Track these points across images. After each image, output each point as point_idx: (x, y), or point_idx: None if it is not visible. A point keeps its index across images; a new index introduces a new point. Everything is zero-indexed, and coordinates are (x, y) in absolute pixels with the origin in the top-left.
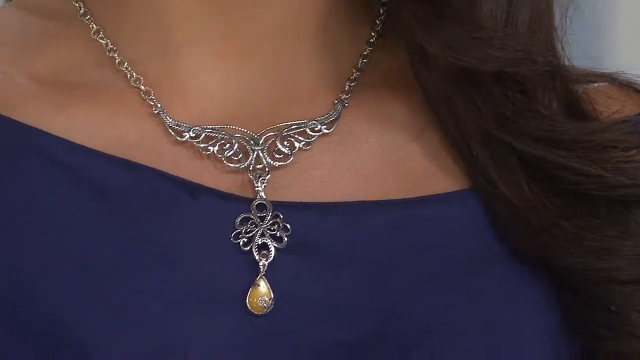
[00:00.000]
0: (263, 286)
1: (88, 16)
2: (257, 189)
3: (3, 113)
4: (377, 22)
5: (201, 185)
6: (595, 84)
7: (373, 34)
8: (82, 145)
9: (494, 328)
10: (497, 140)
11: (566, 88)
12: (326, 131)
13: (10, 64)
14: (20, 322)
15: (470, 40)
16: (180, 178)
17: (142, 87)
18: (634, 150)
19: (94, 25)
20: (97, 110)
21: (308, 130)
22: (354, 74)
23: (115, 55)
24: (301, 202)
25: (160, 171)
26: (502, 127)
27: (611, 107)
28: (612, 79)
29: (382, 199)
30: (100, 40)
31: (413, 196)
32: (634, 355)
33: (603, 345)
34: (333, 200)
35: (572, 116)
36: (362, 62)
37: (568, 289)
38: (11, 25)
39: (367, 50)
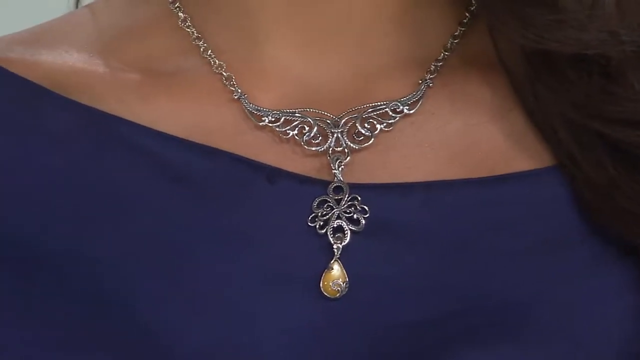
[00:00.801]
0: (337, 269)
1: (177, 4)
2: (334, 171)
3: (81, 100)
4: (472, 2)
5: (278, 169)
6: None
7: (467, 14)
8: (164, 133)
9: (573, 308)
10: (578, 122)
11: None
12: (408, 112)
13: (95, 53)
14: (99, 309)
15: (550, 22)
16: (258, 162)
17: (224, 74)
18: None
19: (182, 14)
20: (180, 98)
21: (389, 111)
22: (442, 54)
23: (201, 43)
24: (380, 184)
25: (238, 156)
26: (581, 109)
27: None
28: None
29: (463, 177)
30: (187, 29)
31: (495, 174)
32: None
33: None
34: (414, 181)
35: None
36: (453, 42)
37: None
38: (113, 15)
39: (459, 31)
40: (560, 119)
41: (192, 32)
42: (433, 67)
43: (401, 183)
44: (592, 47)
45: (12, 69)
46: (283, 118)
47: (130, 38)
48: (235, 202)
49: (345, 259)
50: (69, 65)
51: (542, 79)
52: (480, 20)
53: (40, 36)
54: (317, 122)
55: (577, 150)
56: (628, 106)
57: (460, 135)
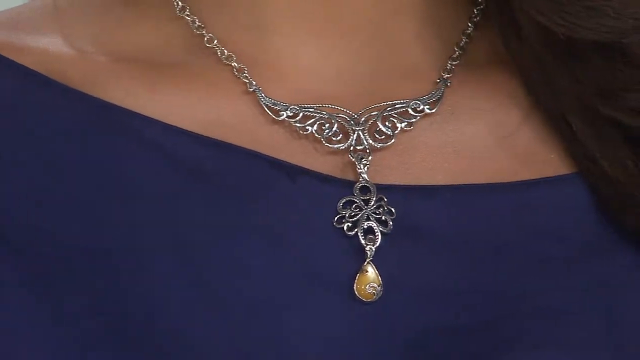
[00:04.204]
0: (371, 272)
1: None
2: (359, 170)
3: (84, 90)
4: (480, 0)
5: (300, 167)
6: None
7: (476, 11)
8: (176, 127)
9: (612, 316)
10: (599, 116)
11: None
12: (429, 111)
13: (91, 42)
14: (110, 306)
15: (584, 9)
16: (278, 160)
17: (235, 65)
18: None
19: (180, 2)
20: (190, 90)
21: (410, 110)
22: (457, 53)
23: (204, 32)
24: (405, 185)
25: (257, 153)
26: (606, 100)
27: None
28: None
29: (487, 182)
30: (187, 17)
31: (520, 179)
32: None
33: None
34: (437, 183)
35: None
36: (465, 40)
37: None
38: (95, 3)
39: (470, 29)
40: (578, 114)
41: (194, 20)
42: (450, 65)
43: (426, 185)
44: (624, 35)
45: (3, 52)
46: (302, 113)
47: (124, 27)
48: (256, 199)
49: (377, 261)
50: (64, 53)
51: (562, 72)
52: (489, 18)
53: (15, 22)
54: (338, 118)
55: (595, 146)
56: None
57: (482, 137)
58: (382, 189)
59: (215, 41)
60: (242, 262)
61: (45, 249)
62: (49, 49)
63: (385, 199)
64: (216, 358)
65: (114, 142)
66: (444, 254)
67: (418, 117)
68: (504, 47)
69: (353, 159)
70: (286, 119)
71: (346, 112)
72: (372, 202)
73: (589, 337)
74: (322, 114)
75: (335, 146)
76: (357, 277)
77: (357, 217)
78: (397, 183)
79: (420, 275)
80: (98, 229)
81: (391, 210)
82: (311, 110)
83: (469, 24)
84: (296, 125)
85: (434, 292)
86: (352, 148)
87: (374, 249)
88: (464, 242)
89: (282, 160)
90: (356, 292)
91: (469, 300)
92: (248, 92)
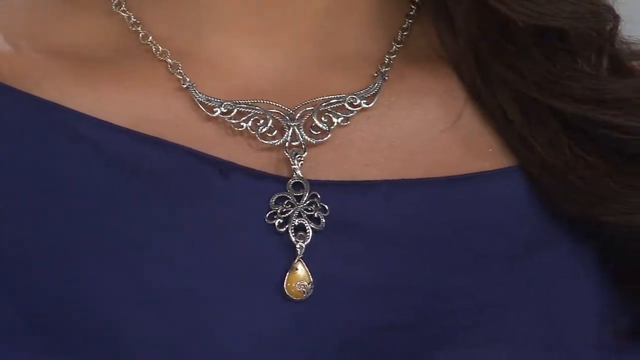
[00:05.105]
0: (301, 270)
1: None
2: (293, 167)
3: (17, 86)
4: None
5: (232, 163)
6: None
7: (413, 6)
8: (109, 122)
9: (551, 308)
10: (536, 104)
11: (613, 45)
12: (366, 106)
13: (24, 38)
14: (42, 303)
15: None
16: (210, 156)
17: (169, 61)
18: None
19: None
20: (123, 85)
21: (347, 105)
22: (394, 47)
23: (139, 28)
24: (340, 181)
25: (189, 149)
26: (544, 88)
27: None
28: None
29: (425, 176)
30: (122, 14)
31: (458, 173)
32: None
33: None
34: (373, 179)
35: (618, 74)
36: (402, 34)
37: (615, 251)
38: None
39: (407, 23)
40: (515, 103)
41: (129, 16)
42: (387, 59)
43: (362, 181)
44: (585, 20)
45: None
46: (236, 109)
47: (59, 22)
48: (187, 195)
49: (308, 258)
50: (0, 49)
51: (500, 63)
52: (425, 12)
53: None
54: (273, 114)
55: (531, 135)
56: (593, 83)
57: (420, 131)
58: (316, 185)
59: (150, 37)
60: (175, 258)
61: None
62: None
63: (319, 195)
64: (148, 353)
65: (47, 138)
66: (379, 250)
67: (355, 112)
68: (439, 41)
69: (288, 155)
70: (220, 115)
71: (281, 107)
72: (305, 199)
73: (529, 332)
74: (256, 109)
75: (270, 142)
76: (287, 275)
77: (289, 213)
78: (332, 179)
79: (354, 272)
80: (31, 225)
81: (324, 207)
82: (245, 106)
83: (407, 19)
84: (230, 122)
85: (368, 288)
86: (287, 144)
87: (304, 246)
88: (400, 238)
89: (215, 157)
90: (286, 291)
91: (405, 296)
92: (182, 89)
